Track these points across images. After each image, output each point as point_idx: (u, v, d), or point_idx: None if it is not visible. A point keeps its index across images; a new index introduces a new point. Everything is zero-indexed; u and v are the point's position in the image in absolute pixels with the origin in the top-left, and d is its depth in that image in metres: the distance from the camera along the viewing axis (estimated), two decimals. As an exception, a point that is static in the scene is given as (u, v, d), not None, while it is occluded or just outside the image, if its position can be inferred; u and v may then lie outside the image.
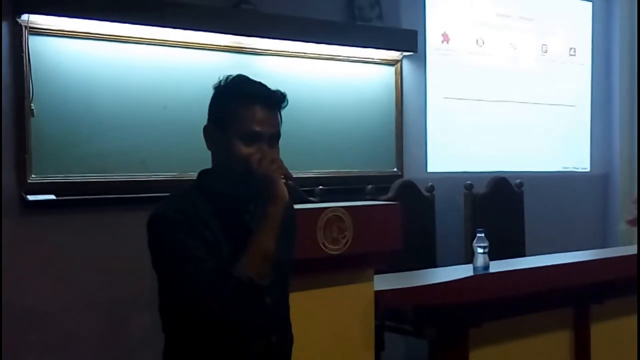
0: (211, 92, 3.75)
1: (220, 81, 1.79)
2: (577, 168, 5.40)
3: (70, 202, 3.27)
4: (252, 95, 1.73)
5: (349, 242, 2.46)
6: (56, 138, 3.26)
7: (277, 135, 1.76)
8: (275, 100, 1.75)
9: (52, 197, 3.20)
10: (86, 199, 3.31)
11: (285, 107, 1.77)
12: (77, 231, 3.32)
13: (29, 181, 3.17)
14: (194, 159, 3.61)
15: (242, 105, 1.72)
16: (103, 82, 3.40)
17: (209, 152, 3.77)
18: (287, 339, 1.86)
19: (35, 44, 3.21)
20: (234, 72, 4.04)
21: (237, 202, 1.77)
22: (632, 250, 3.62)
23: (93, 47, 3.38)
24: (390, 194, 3.92)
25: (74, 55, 3.33)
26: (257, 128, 1.71)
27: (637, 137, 5.22)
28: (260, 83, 1.77)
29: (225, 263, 1.67)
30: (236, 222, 1.75)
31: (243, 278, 1.63)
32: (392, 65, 4.36)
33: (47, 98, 3.23)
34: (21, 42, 3.16)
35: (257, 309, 1.70)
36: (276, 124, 1.75)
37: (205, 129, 1.79)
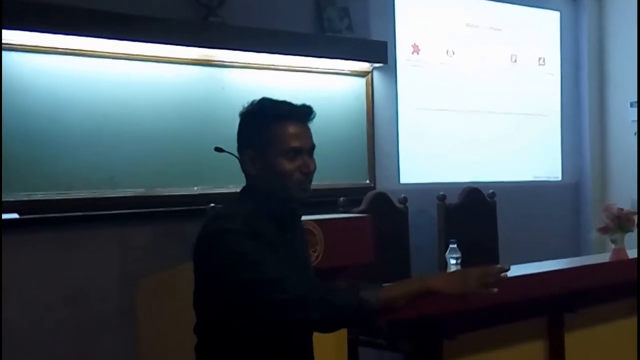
0: (180, 106, 3.77)
1: (247, 108, 1.85)
2: (549, 177, 5.43)
3: (36, 221, 3.21)
4: (285, 114, 1.81)
5: (320, 256, 2.44)
6: (20, 155, 3.20)
7: (314, 147, 1.85)
8: (305, 114, 1.83)
9: (16, 216, 3.13)
10: (52, 217, 3.25)
11: (313, 118, 1.84)
12: (43, 251, 3.26)
13: (-8, 200, 3.10)
14: (163, 174, 3.59)
15: (278, 125, 1.79)
16: (69, 97, 3.34)
17: (182, 168, 3.73)
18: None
19: (-2, 59, 3.15)
20: (204, 85, 4.00)
21: (280, 221, 1.83)
22: (604, 258, 3.64)
23: (59, 61, 3.33)
24: (362, 206, 3.90)
25: (39, 70, 3.28)
26: (297, 143, 1.80)
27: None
28: (285, 101, 1.85)
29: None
30: (279, 240, 1.80)
31: (371, 300, 1.68)
32: (363, 76, 4.35)
33: (11, 114, 3.17)
34: (-17, 57, 3.10)
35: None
36: (311, 136, 1.85)
37: (244, 154, 1.84)
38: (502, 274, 1.79)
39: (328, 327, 1.76)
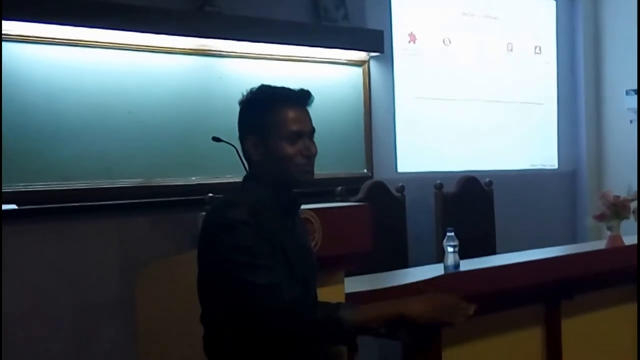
0: (177, 96, 3.76)
1: (246, 96, 1.87)
2: (546, 165, 5.44)
3: (34, 212, 3.21)
4: (284, 99, 1.83)
5: (318, 245, 2.43)
6: (17, 146, 3.20)
7: (314, 130, 1.87)
8: (304, 98, 1.86)
9: (14, 206, 3.13)
10: (50, 208, 3.25)
11: (312, 102, 1.87)
12: (42, 241, 3.26)
13: (-10, 191, 3.10)
14: (161, 164, 3.59)
15: (278, 110, 1.82)
16: (65, 87, 3.34)
17: (179, 158, 3.73)
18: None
19: (-7, 50, 3.14)
20: (200, 75, 3.99)
21: (282, 207, 1.85)
22: (600, 245, 3.65)
23: (54, 52, 3.32)
24: (360, 195, 3.90)
25: (34, 60, 3.27)
26: (297, 127, 1.82)
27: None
28: (284, 87, 1.87)
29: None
30: (281, 227, 1.81)
31: (348, 319, 1.69)
32: (360, 65, 4.35)
33: (7, 105, 3.17)
34: (-21, 48, 3.09)
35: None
36: (310, 119, 1.86)
37: (245, 141, 1.85)
38: (471, 311, 1.81)
39: (306, 339, 1.76)
